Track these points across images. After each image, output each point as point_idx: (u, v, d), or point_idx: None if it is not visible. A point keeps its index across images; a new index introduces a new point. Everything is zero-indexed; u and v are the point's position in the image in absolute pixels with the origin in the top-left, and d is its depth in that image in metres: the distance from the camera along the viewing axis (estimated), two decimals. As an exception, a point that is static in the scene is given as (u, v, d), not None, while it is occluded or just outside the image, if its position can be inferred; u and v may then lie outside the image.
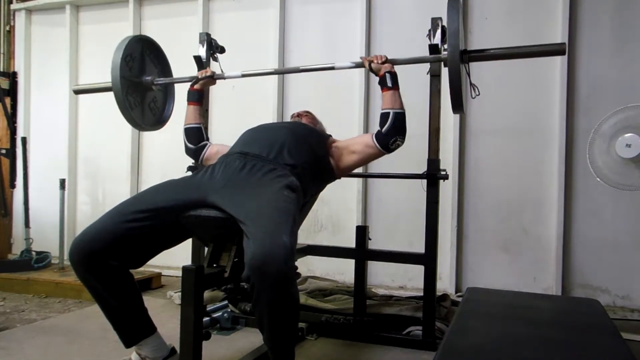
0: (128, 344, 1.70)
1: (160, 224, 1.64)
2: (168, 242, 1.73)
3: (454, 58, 1.77)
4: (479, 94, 2.01)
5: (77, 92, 2.58)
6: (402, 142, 1.95)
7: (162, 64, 2.44)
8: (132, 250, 1.62)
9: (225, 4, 3.69)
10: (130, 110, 2.23)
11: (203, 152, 2.17)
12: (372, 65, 2.00)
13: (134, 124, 2.31)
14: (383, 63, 1.99)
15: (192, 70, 2.60)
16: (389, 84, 1.95)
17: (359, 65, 2.11)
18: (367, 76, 3.29)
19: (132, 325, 1.69)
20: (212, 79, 2.27)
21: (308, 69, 2.26)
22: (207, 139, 2.23)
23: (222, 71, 2.52)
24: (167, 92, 2.49)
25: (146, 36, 2.40)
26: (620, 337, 1.39)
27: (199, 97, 2.26)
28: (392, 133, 1.91)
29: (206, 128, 2.56)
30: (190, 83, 2.29)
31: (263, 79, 3.50)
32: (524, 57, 2.09)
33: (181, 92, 2.48)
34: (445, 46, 2.21)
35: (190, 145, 2.20)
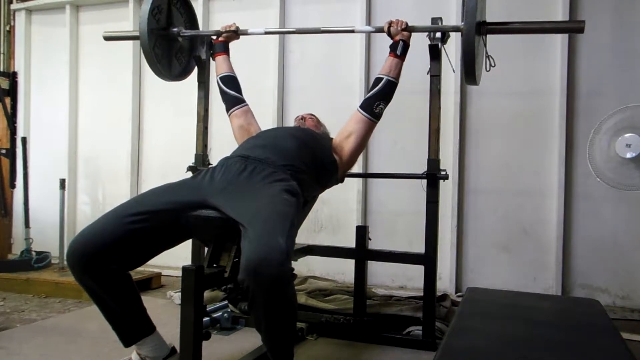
0: (127, 344, 1.70)
1: (159, 225, 1.63)
2: (166, 244, 1.72)
3: (470, 30, 1.77)
4: (494, 66, 2.00)
5: (107, 38, 2.58)
6: (385, 108, 2.01)
7: (188, 12, 2.47)
8: (130, 252, 1.62)
9: (225, 4, 3.69)
10: (157, 62, 2.25)
11: (239, 106, 2.25)
12: (391, 29, 2.05)
13: (160, 75, 2.32)
14: (403, 30, 2.03)
15: (192, 72, 2.61)
16: (399, 51, 2.01)
17: (378, 30, 2.15)
18: (367, 76, 3.29)
19: (131, 325, 1.68)
20: (236, 33, 2.34)
21: (328, 30, 2.33)
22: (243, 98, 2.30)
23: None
24: (193, 43, 2.51)
25: None
26: (620, 337, 1.39)
27: (225, 47, 2.35)
28: (377, 97, 1.98)
29: (206, 128, 2.57)
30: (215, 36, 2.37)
31: (263, 77, 3.51)
32: (543, 32, 2.13)
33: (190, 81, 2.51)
34: (446, 46, 2.22)
35: (229, 91, 2.27)
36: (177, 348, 1.57)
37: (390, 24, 2.06)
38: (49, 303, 2.88)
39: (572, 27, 2.03)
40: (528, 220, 3.02)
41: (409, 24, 2.05)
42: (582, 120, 2.93)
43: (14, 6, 4.27)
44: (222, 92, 2.28)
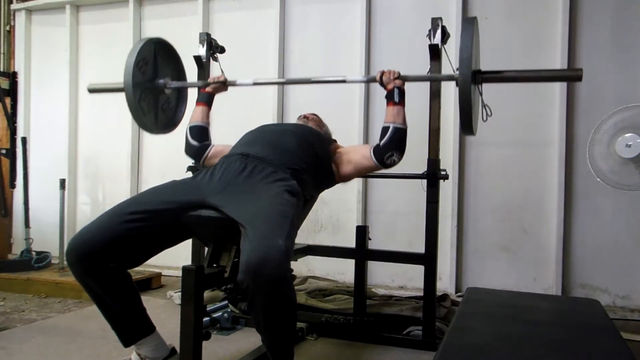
0: (126, 343, 1.70)
1: (158, 224, 1.63)
2: (165, 243, 1.72)
3: (466, 79, 1.69)
4: (491, 115, 1.91)
5: (92, 91, 2.53)
6: (399, 159, 1.90)
7: (175, 63, 2.40)
8: (130, 250, 1.62)
9: (225, 4, 3.69)
10: (143, 116, 2.18)
11: (206, 152, 2.12)
12: (383, 78, 1.94)
13: (146, 129, 2.26)
14: (395, 79, 1.93)
15: (193, 71, 2.61)
16: (396, 99, 1.91)
17: (370, 80, 2.08)
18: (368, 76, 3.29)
19: (130, 325, 1.68)
20: (224, 84, 2.24)
21: (320, 80, 2.26)
22: (211, 141, 2.19)
23: (222, 71, 2.53)
24: (180, 93, 2.44)
25: (159, 38, 2.34)
26: (620, 337, 1.39)
27: (209, 99, 2.22)
28: (388, 147, 1.88)
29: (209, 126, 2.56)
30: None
31: (263, 77, 3.51)
32: (539, 81, 2.01)
33: (191, 93, 2.47)
34: (446, 46, 2.22)
35: (193, 142, 2.13)
36: (177, 348, 1.57)
37: (382, 73, 1.95)
38: (49, 303, 2.88)
39: (570, 76, 1.95)
40: (528, 220, 3.02)
41: (402, 73, 1.95)
42: (582, 120, 2.93)
43: (14, 6, 4.27)
44: (187, 142, 2.16)
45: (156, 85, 2.25)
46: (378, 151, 1.90)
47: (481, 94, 1.90)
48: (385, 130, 1.89)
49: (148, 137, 3.90)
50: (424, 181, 2.20)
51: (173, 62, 2.38)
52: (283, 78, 3.38)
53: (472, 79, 1.74)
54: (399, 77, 1.93)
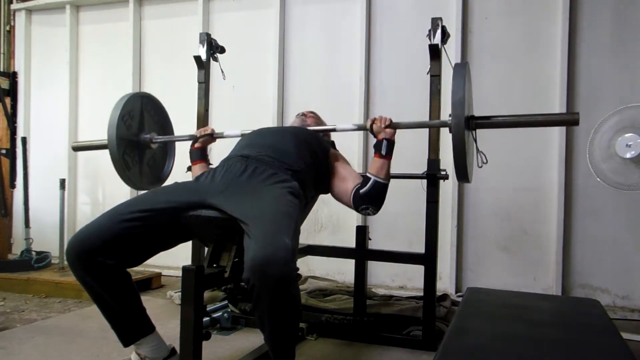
0: (126, 343, 1.70)
1: (157, 224, 1.63)
2: (165, 244, 1.72)
3: (459, 130, 1.66)
4: (487, 163, 1.84)
5: (76, 149, 2.53)
6: (373, 213, 1.87)
7: (162, 120, 2.36)
8: (129, 249, 1.62)
9: (225, 4, 3.70)
10: (127, 170, 2.17)
11: None
12: (374, 127, 1.90)
13: (130, 184, 2.23)
14: (386, 127, 1.89)
15: (193, 70, 2.61)
16: (383, 151, 1.87)
17: (360, 128, 2.05)
18: (367, 77, 3.29)
19: (130, 324, 1.68)
20: (212, 136, 2.19)
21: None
22: None
23: (222, 71, 2.53)
24: (167, 150, 2.42)
25: (146, 93, 2.34)
26: (620, 337, 1.39)
27: (202, 155, 2.18)
28: (366, 200, 1.84)
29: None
30: (189, 142, 2.20)
31: (263, 78, 3.51)
32: (534, 125, 1.96)
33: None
34: (446, 46, 2.22)
35: None
36: (177, 348, 1.57)
37: (373, 121, 1.91)
38: (49, 303, 2.88)
39: (566, 120, 1.93)
40: (528, 220, 3.02)
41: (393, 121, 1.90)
42: (582, 120, 2.91)
43: (14, 6, 4.27)
44: None
45: (142, 140, 2.24)
46: (357, 198, 1.86)
47: (475, 140, 1.86)
48: (367, 180, 1.86)
49: (148, 137, 3.89)
50: (424, 181, 2.20)
51: (160, 118, 2.36)
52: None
53: (466, 125, 1.71)
54: (390, 125, 1.89)
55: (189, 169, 2.48)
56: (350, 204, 1.88)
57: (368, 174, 1.87)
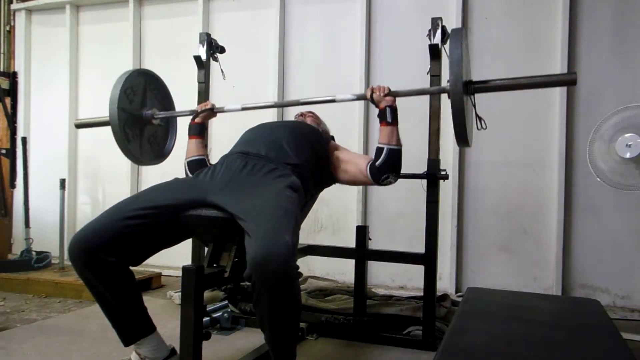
0: (126, 343, 1.70)
1: (159, 222, 1.64)
2: (167, 241, 1.72)
3: (457, 90, 1.65)
4: (486, 128, 1.84)
5: (78, 126, 2.50)
6: (395, 180, 1.89)
7: (165, 99, 2.37)
8: (130, 247, 1.62)
9: (225, 4, 3.70)
10: (127, 142, 2.16)
11: None
12: (374, 96, 1.90)
13: (131, 158, 2.22)
14: (385, 96, 1.89)
15: (193, 70, 2.61)
16: (389, 118, 1.87)
17: (360, 98, 2.03)
18: (367, 77, 3.29)
19: (131, 324, 1.68)
20: (212, 111, 2.19)
21: (308, 102, 2.14)
22: None
23: (222, 71, 2.53)
24: (169, 127, 2.42)
25: (149, 70, 2.33)
26: (620, 337, 1.39)
27: (201, 130, 2.17)
28: (384, 169, 1.86)
29: (206, 128, 2.56)
30: (190, 117, 2.20)
31: (263, 78, 3.51)
32: (533, 87, 1.94)
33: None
34: (446, 46, 2.22)
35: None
36: (177, 348, 1.57)
37: (372, 90, 1.91)
38: (49, 303, 2.88)
39: (564, 80, 1.92)
40: (528, 220, 3.02)
41: (391, 89, 1.90)
42: (582, 120, 2.93)
43: (14, 6, 4.27)
44: (187, 176, 2.11)
45: (143, 116, 2.23)
46: (375, 171, 1.87)
47: (474, 105, 1.85)
48: (379, 151, 1.86)
49: (148, 137, 3.90)
50: (424, 181, 2.20)
51: (163, 97, 2.35)
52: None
53: (464, 90, 1.70)
54: (389, 93, 1.89)
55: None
56: (369, 180, 1.89)
57: (380, 144, 1.88)
